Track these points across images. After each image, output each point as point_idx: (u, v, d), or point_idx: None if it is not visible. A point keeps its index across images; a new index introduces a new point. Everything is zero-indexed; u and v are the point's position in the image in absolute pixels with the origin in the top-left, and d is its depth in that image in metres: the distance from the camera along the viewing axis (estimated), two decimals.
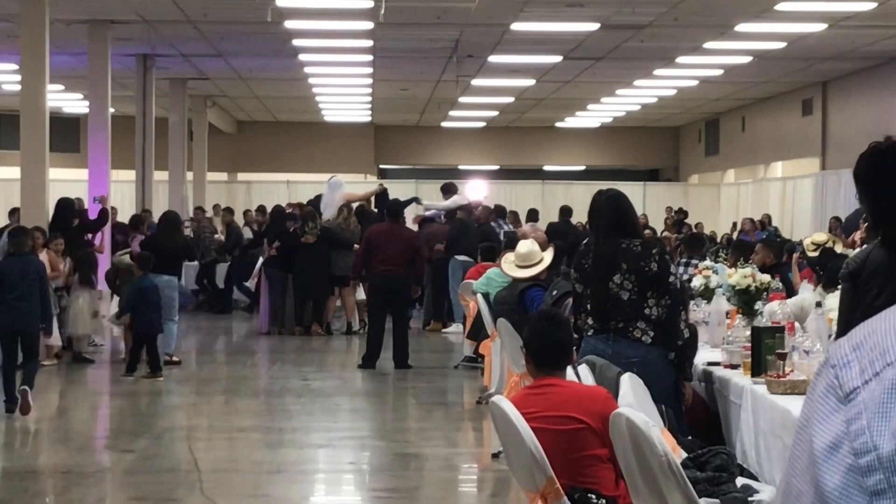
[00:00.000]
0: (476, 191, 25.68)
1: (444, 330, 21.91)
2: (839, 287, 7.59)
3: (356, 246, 20.16)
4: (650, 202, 37.49)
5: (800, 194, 31.56)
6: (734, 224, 32.32)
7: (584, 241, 8.26)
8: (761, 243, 12.61)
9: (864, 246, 9.02)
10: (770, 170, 36.78)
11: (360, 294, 20.97)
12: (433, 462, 11.30)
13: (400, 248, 17.39)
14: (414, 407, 14.68)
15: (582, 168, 43.87)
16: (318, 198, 23.28)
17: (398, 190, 24.87)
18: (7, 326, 12.87)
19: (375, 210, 23.83)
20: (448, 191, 23.85)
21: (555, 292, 9.94)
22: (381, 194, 24.22)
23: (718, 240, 28.41)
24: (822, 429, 1.08)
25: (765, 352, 7.61)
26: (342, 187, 23.02)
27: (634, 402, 6.14)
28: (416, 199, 24.74)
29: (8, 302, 12.82)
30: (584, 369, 7.02)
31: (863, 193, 4.57)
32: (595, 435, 5.95)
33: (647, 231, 28.29)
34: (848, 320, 5.62)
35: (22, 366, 13.02)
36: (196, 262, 25.21)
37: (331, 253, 21.26)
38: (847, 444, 1.06)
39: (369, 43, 24.53)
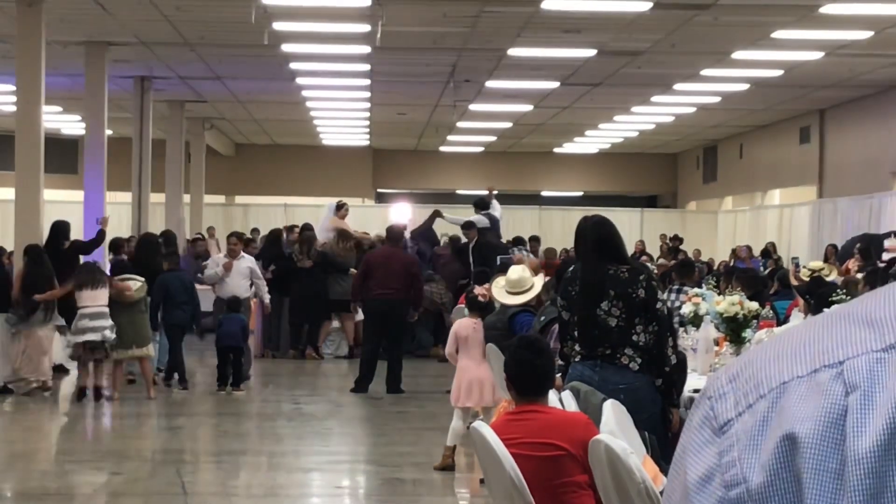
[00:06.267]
0: (400, 214, 25.54)
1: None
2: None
3: (353, 270, 20.14)
4: (647, 228, 37.47)
5: (797, 222, 31.56)
6: (732, 251, 32.28)
7: (571, 268, 8.23)
8: (736, 276, 12.62)
9: None
10: (767, 197, 36.80)
11: (361, 317, 20.91)
12: (423, 487, 11.27)
13: (398, 273, 17.37)
14: (405, 432, 14.64)
15: (580, 194, 43.91)
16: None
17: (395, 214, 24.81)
18: (170, 322, 17.44)
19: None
20: (480, 206, 23.73)
21: (542, 318, 9.93)
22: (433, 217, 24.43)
23: (715, 267, 28.35)
24: (696, 460, 1.09)
25: None
26: (332, 210, 23.02)
27: (616, 429, 6.11)
28: (437, 214, 24.72)
29: (173, 305, 17.34)
30: (567, 395, 6.99)
31: None
32: (575, 461, 5.93)
33: (643, 257, 28.29)
34: None
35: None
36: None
37: (327, 277, 21.24)
38: (719, 476, 1.07)
39: (366, 67, 24.56)
